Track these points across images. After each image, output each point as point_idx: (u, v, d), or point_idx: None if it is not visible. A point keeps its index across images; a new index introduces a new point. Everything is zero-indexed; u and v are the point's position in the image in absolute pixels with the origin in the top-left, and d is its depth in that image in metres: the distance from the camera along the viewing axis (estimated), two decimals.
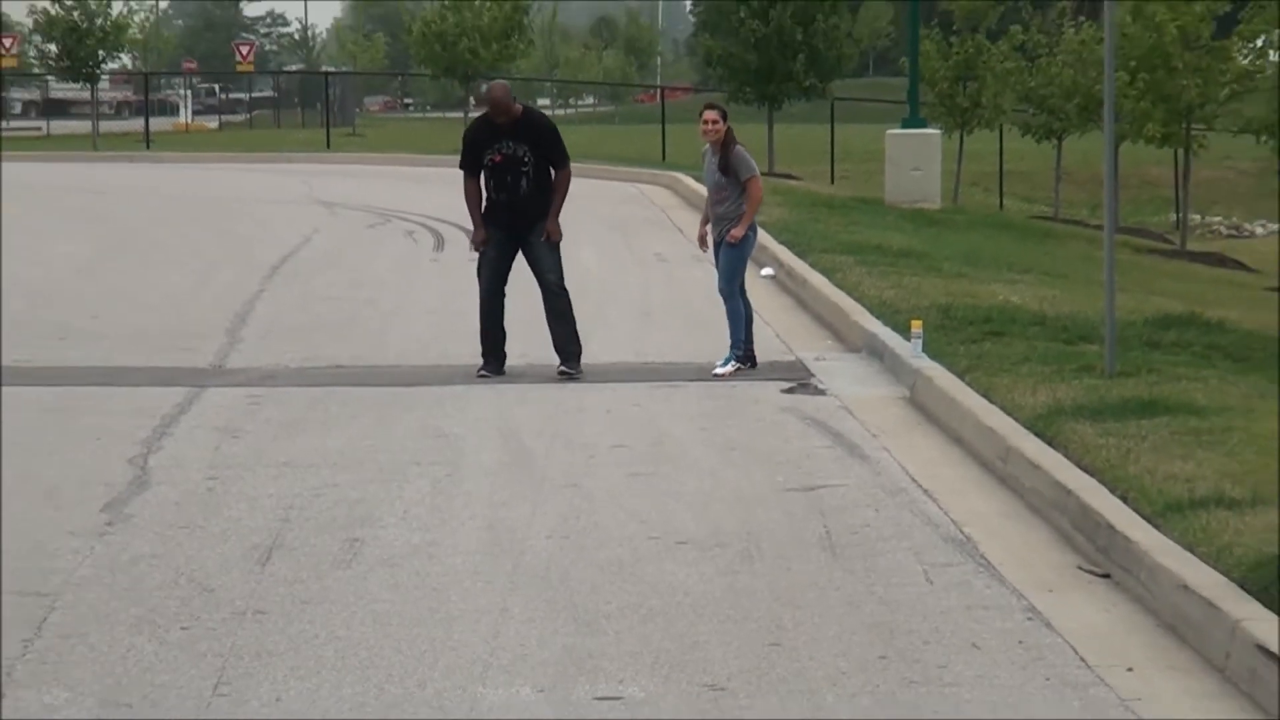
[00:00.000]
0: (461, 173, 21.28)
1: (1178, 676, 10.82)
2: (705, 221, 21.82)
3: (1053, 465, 15.15)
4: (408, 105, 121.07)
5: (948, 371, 19.52)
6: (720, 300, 21.34)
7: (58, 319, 25.92)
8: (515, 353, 21.28)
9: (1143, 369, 19.31)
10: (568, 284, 21.25)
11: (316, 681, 10.55)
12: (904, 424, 18.52)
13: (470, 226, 21.59)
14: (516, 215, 20.80)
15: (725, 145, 20.88)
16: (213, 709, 10.10)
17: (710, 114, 21.00)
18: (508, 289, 21.10)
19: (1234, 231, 53.59)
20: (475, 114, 72.77)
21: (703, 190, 23.60)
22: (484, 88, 21.19)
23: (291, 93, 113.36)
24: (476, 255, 21.37)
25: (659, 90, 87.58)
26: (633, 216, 37.30)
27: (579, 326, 21.17)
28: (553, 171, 20.94)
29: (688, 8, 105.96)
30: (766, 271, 28.27)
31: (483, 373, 20.92)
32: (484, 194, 21.01)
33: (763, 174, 22.96)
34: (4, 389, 20.07)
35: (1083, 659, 11.10)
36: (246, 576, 12.76)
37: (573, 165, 21.55)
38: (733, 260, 21.14)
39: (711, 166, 21.13)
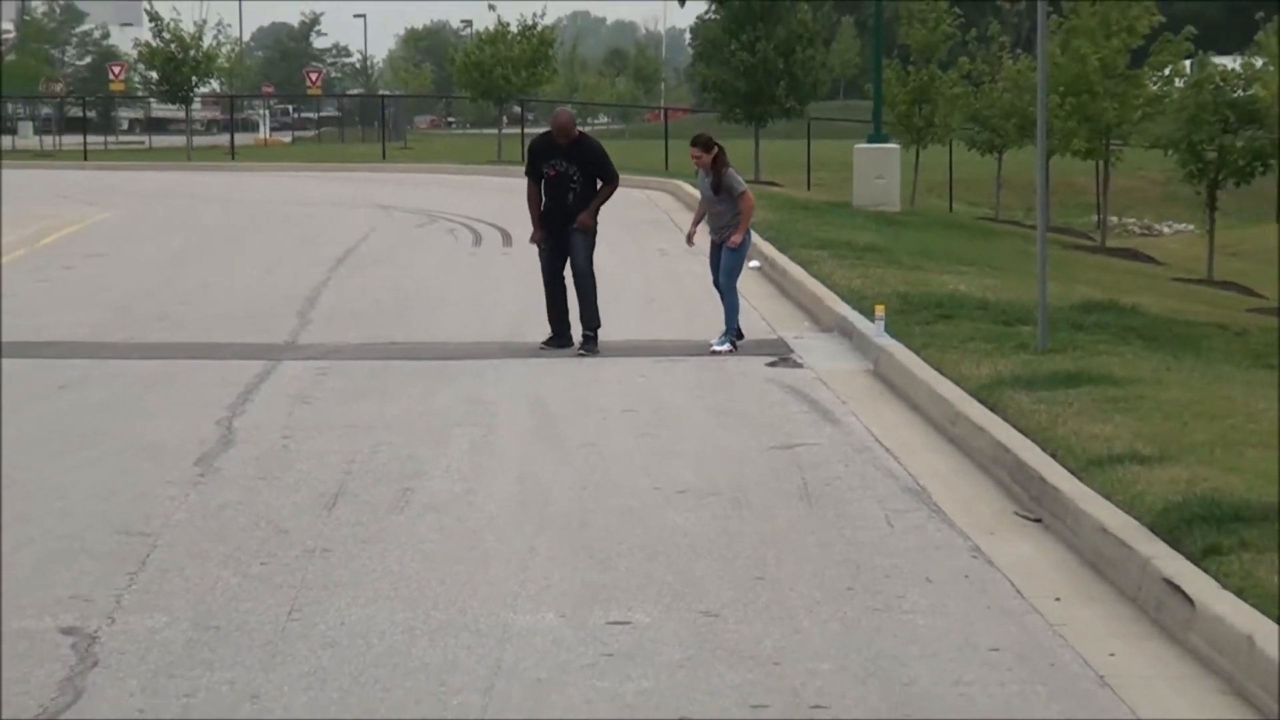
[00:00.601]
0: (526, 179, 21.42)
1: (1097, 605, 10.83)
2: (695, 224, 21.98)
3: (994, 427, 15.18)
4: (450, 123, 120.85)
5: (906, 348, 19.52)
6: (715, 291, 21.41)
7: (157, 304, 25.91)
8: (540, 336, 21.33)
9: (1069, 346, 19.31)
10: None
11: (374, 609, 10.57)
12: (869, 393, 18.52)
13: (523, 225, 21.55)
14: (563, 220, 20.96)
15: (717, 170, 21.00)
16: (287, 632, 10.13)
17: (693, 149, 21.19)
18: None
19: (1145, 231, 53.53)
20: (509, 130, 73.60)
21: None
22: (558, 114, 21.37)
23: (353, 112, 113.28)
24: (535, 247, 21.54)
25: (663, 111, 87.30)
26: (639, 218, 37.32)
27: (601, 305, 21.27)
28: (599, 183, 21.14)
29: (687, 40, 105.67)
30: (753, 264, 28.24)
31: (543, 346, 21.03)
32: (542, 199, 21.11)
33: (749, 181, 22.99)
34: (116, 362, 20.15)
35: (1018, 590, 11.11)
36: (315, 520, 12.80)
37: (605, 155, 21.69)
38: (733, 260, 21.23)
39: (705, 186, 21.32)
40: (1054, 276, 21.09)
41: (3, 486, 13.84)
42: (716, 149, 21.08)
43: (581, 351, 20.84)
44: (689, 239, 22.03)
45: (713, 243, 21.47)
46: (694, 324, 21.88)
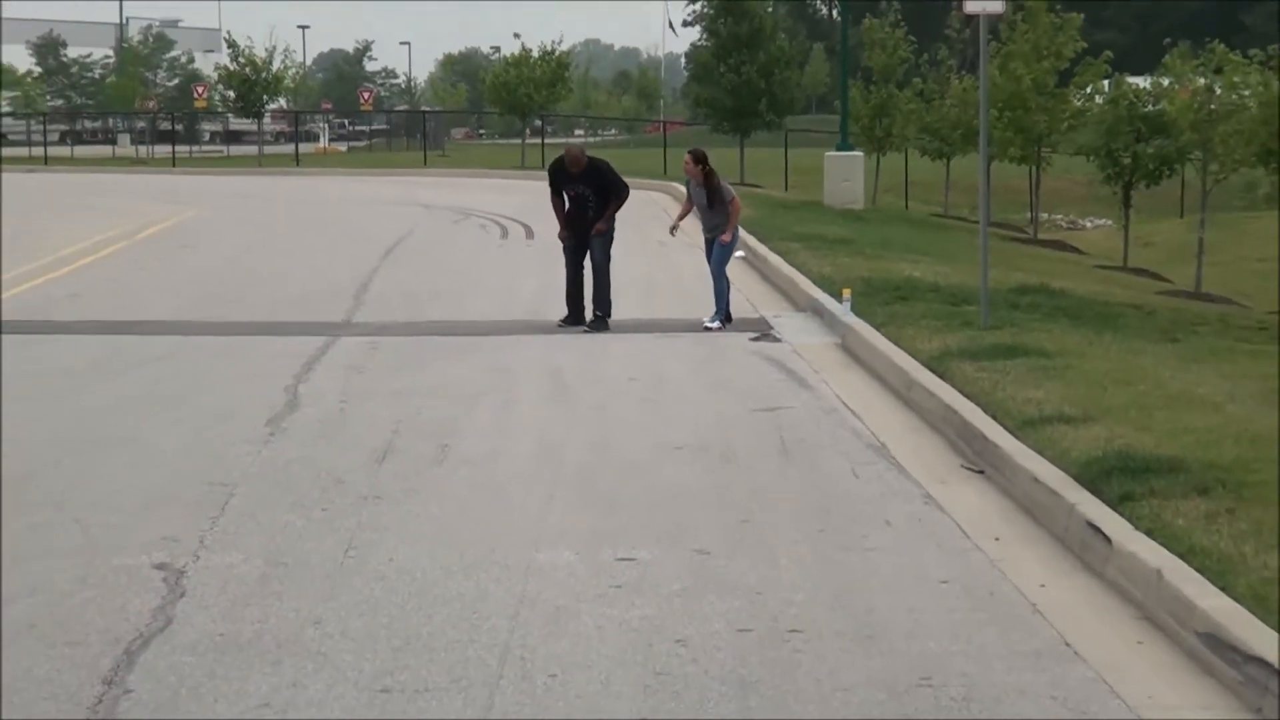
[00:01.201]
0: (549, 189, 21.74)
1: (1030, 545, 10.83)
2: (679, 219, 22.17)
3: (943, 392, 15.18)
4: (481, 134, 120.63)
5: (868, 325, 19.52)
6: (708, 277, 21.43)
7: (234, 288, 25.94)
8: (556, 315, 21.33)
9: (1006, 324, 19.33)
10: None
11: (417, 549, 10.57)
12: (837, 363, 18.52)
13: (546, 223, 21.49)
14: (584, 228, 21.16)
15: (708, 180, 21.18)
16: (344, 567, 10.14)
17: (686, 159, 21.50)
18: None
19: (1071, 225, 53.49)
20: (531, 141, 73.58)
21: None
22: (569, 146, 21.89)
23: (399, 126, 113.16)
24: (558, 241, 21.70)
25: (662, 124, 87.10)
26: (641, 215, 37.26)
27: (613, 294, 21.34)
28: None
29: (683, 64, 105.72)
30: (740, 254, 28.24)
31: (561, 325, 21.05)
32: (565, 204, 21.35)
33: (734, 184, 23.08)
34: (200, 338, 20.15)
35: (964, 531, 11.11)
36: (367, 473, 12.80)
37: (612, 168, 21.89)
38: (724, 253, 21.27)
39: (699, 194, 21.37)
40: (994, 264, 21.10)
41: (95, 445, 13.88)
42: (708, 166, 21.23)
43: (589, 329, 20.88)
44: (672, 231, 22.08)
45: (707, 239, 21.54)
46: (689, 305, 21.88)
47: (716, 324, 20.88)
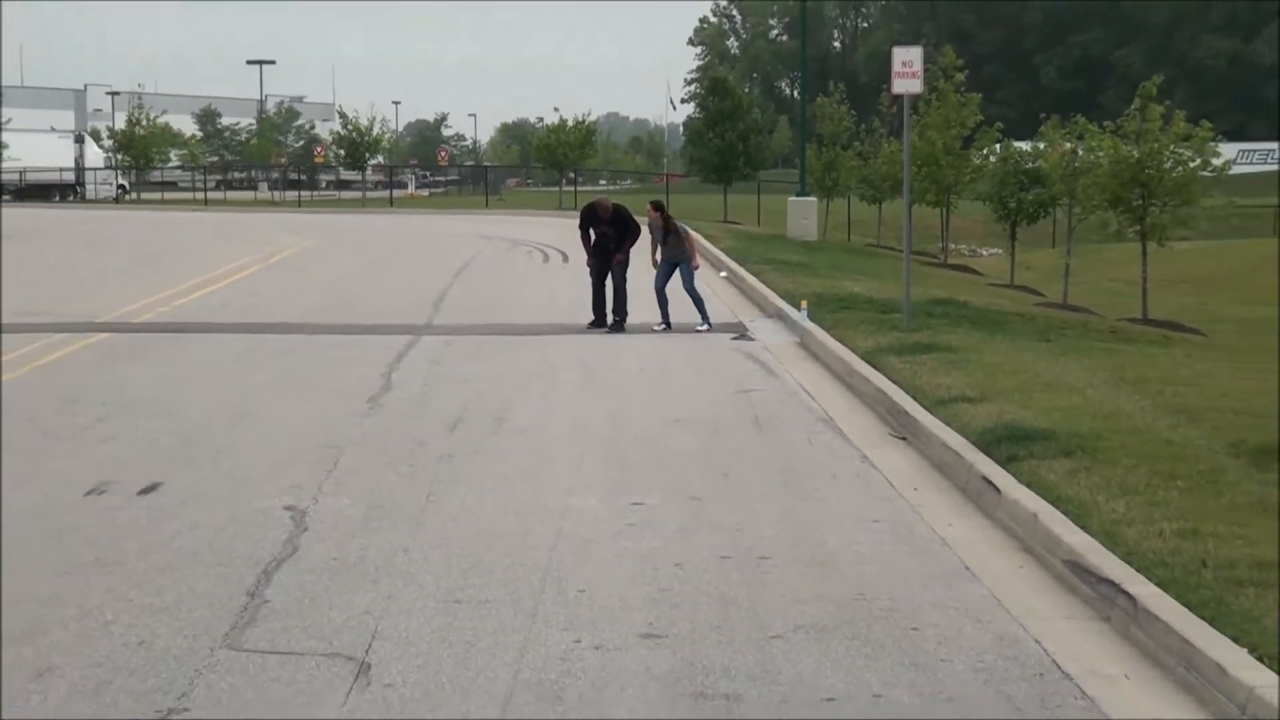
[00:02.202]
0: (579, 229, 21.88)
1: (941, 493, 10.82)
2: (654, 253, 21.70)
3: (875, 379, 15.16)
4: (529, 183, 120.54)
5: (820, 328, 19.49)
6: (686, 296, 21.34)
7: (342, 298, 25.93)
8: (585, 320, 21.28)
9: (923, 327, 19.30)
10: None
11: (481, 496, 10.57)
12: (797, 357, 18.49)
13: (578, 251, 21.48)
14: (606, 256, 21.20)
15: (667, 224, 21.36)
16: (426, 510, 10.14)
17: (649, 208, 21.56)
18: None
19: (972, 253, 53.28)
20: (566, 188, 73.55)
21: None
22: (598, 199, 22.34)
23: (467, 176, 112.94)
24: (585, 266, 21.78)
25: (665, 175, 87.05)
26: (646, 244, 37.37)
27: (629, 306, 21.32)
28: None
29: (681, 131, 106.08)
30: (723, 274, 28.23)
31: (588, 328, 21.00)
32: (592, 239, 21.48)
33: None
34: (317, 336, 20.15)
35: (891, 484, 11.11)
36: (443, 438, 12.80)
37: (630, 213, 21.99)
38: (690, 274, 21.27)
39: (658, 233, 21.40)
40: (915, 282, 21.07)
41: (241, 417, 13.89)
42: (665, 213, 21.52)
43: (610, 330, 20.85)
44: (653, 263, 21.87)
45: (663, 260, 21.44)
46: (687, 313, 21.85)
47: (705, 326, 20.86)
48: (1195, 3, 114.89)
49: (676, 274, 21.30)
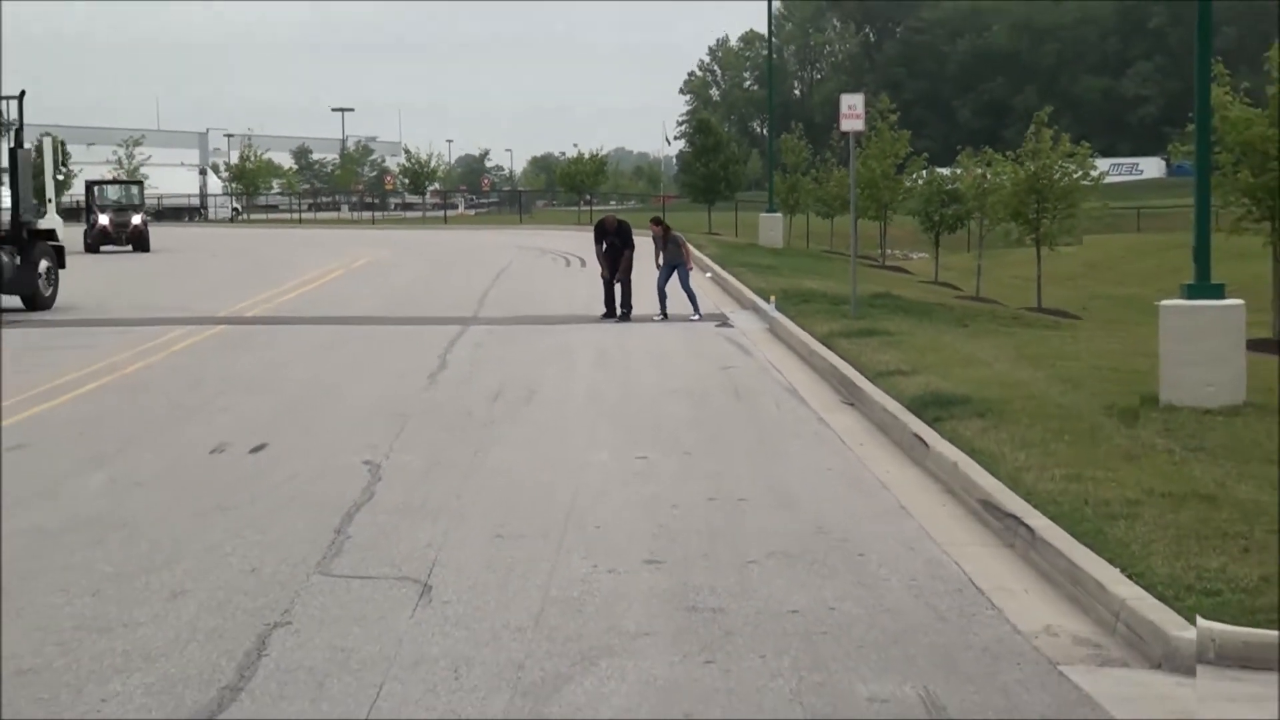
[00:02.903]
0: (594, 241, 21.85)
1: (883, 448, 10.78)
2: (656, 257, 21.52)
3: (830, 357, 15.13)
4: (554, 204, 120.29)
5: (786, 317, 19.43)
6: (693, 290, 21.33)
7: (407, 296, 25.88)
8: (598, 313, 21.24)
9: (866, 316, 19.25)
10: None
11: (516, 454, 10.55)
12: (767, 341, 18.43)
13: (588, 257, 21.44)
14: (614, 261, 21.02)
15: (665, 234, 21.25)
16: (473, 464, 10.12)
17: (653, 225, 21.60)
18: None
19: (905, 257, 52.89)
20: (584, 208, 73.29)
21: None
22: (606, 216, 22.82)
23: (505, 199, 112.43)
24: (598, 271, 21.66)
25: (662, 197, 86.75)
26: (648, 252, 37.29)
27: (634, 301, 21.12)
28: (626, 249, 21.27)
29: (675, 161, 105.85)
30: (708, 274, 28.14)
31: (601, 319, 20.79)
32: (604, 248, 21.22)
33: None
34: (385, 326, 20.10)
35: (842, 440, 11.08)
36: (486, 408, 12.77)
37: (631, 228, 21.92)
38: (686, 274, 21.23)
39: (660, 243, 21.26)
40: (859, 281, 21.03)
41: (328, 391, 13.86)
42: (664, 225, 21.52)
43: (619, 320, 20.74)
44: (656, 266, 21.80)
45: (664, 264, 21.26)
46: (682, 306, 21.81)
47: (696, 317, 20.78)
48: (1075, 48, 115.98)
49: (675, 275, 21.26)
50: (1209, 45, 11.26)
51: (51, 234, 25.06)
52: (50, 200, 24.40)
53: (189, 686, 5.58)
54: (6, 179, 24.03)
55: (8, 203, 23.70)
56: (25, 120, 23.86)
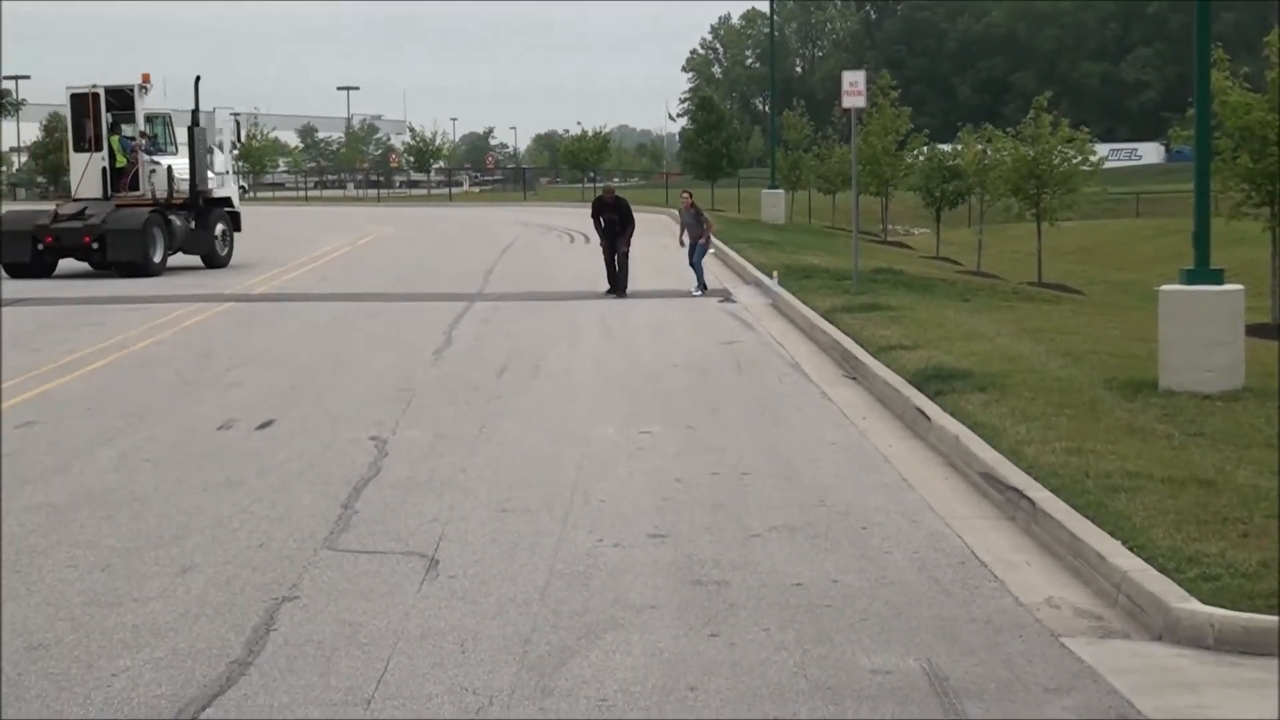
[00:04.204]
0: (591, 215, 21.61)
1: (883, 421, 10.76)
2: (680, 235, 21.74)
3: (832, 331, 15.10)
4: (557, 181, 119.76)
5: (788, 292, 19.37)
6: (688, 265, 21.23)
7: (414, 272, 25.78)
8: (603, 288, 21.18)
9: (869, 291, 19.16)
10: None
11: (523, 427, 10.53)
12: (770, 315, 18.38)
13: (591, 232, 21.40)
14: (613, 239, 20.76)
15: (695, 209, 21.39)
16: (479, 438, 10.09)
17: (685, 195, 21.98)
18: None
19: (906, 232, 52.55)
20: (587, 185, 73.14)
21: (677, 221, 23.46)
22: (604, 186, 22.53)
23: (509, 176, 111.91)
24: (598, 245, 21.44)
25: (665, 174, 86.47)
26: (652, 226, 37.11)
27: (630, 275, 20.93)
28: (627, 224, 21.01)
29: (678, 139, 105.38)
30: (712, 250, 28.03)
31: (605, 294, 20.56)
32: (602, 224, 20.96)
33: (707, 209, 23.07)
34: (394, 303, 20.05)
35: (844, 414, 11.05)
36: (493, 382, 12.74)
37: (630, 204, 21.68)
38: (702, 251, 21.20)
39: (689, 218, 21.33)
40: (861, 256, 20.98)
41: (338, 366, 13.83)
42: (693, 202, 21.66)
43: (619, 294, 20.56)
44: (680, 243, 21.85)
45: (691, 241, 21.26)
46: (682, 281, 21.75)
47: (699, 292, 20.69)
48: (1075, 33, 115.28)
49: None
50: (1208, 31, 11.14)
51: (228, 201, 28.14)
52: (226, 172, 28.28)
53: (198, 661, 5.57)
54: (184, 153, 26.77)
55: (184, 174, 26.56)
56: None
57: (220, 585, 6.59)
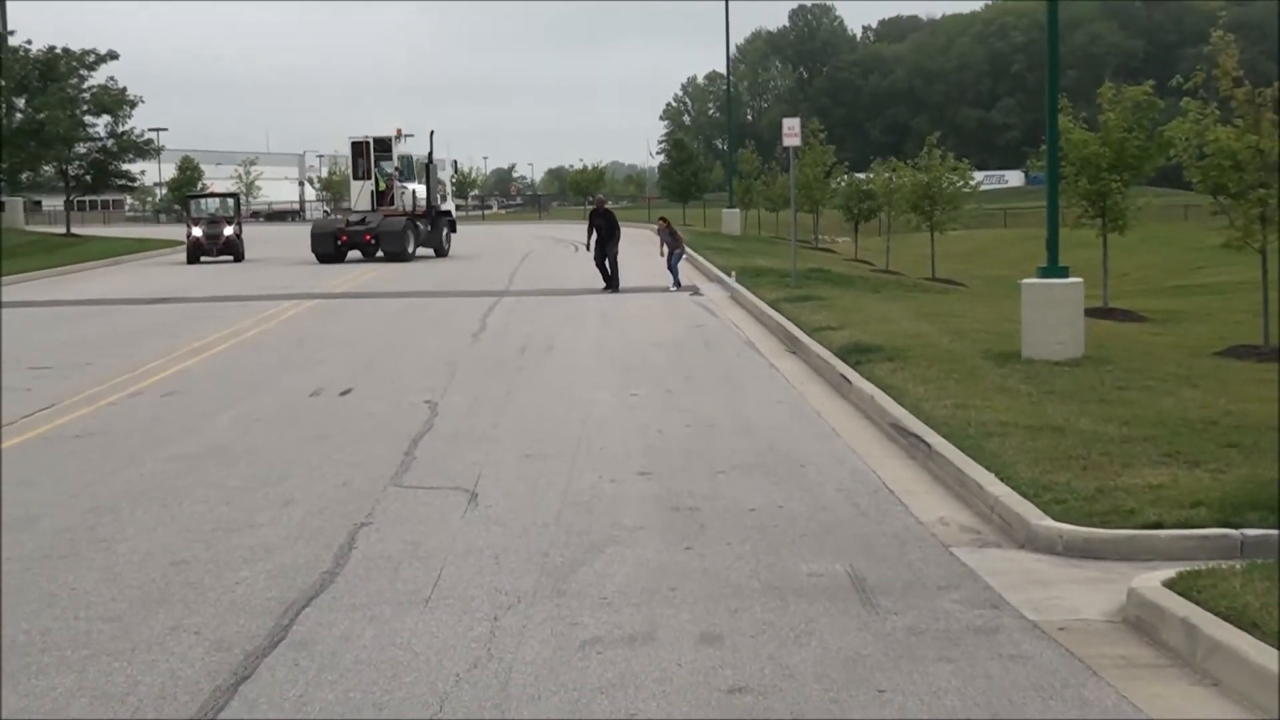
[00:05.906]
0: (586, 226, 21.33)
1: (817, 386, 10.75)
2: (660, 248, 21.50)
3: (777, 317, 15.06)
4: (565, 204, 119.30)
5: (744, 287, 19.30)
6: (666, 269, 21.14)
7: (456, 277, 25.66)
8: (596, 286, 21.06)
9: (804, 286, 19.12)
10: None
11: (539, 394, 10.49)
12: (729, 305, 18.30)
13: (583, 240, 21.32)
14: (602, 246, 20.58)
15: (671, 232, 21.21)
16: (507, 401, 10.06)
17: (660, 221, 21.99)
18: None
19: (833, 241, 52.63)
20: (589, 205, 72.77)
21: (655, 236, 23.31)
22: (597, 198, 22.48)
23: (528, 201, 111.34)
24: (591, 251, 21.15)
25: (647, 198, 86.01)
26: (637, 239, 36.99)
27: (620, 274, 20.81)
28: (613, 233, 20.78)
29: (657, 170, 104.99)
30: (684, 256, 27.93)
31: (602, 291, 20.39)
32: (595, 231, 20.75)
33: (678, 225, 22.94)
34: (438, 299, 19.93)
35: (788, 380, 11.04)
36: (516, 358, 12.71)
37: (618, 219, 21.44)
38: (677, 259, 21.08)
39: (666, 236, 21.16)
40: (798, 259, 20.89)
41: (400, 347, 13.78)
42: (668, 224, 21.58)
43: (612, 291, 20.40)
44: (660, 254, 21.64)
45: (668, 253, 21.11)
46: (663, 281, 21.68)
47: (675, 289, 20.61)
48: (957, 88, 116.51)
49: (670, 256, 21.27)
50: (1056, 85, 11.37)
51: (448, 213, 32.91)
52: (447, 196, 33.84)
53: (298, 572, 5.59)
54: (422, 180, 31.20)
55: (423, 195, 31.09)
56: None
57: (314, 514, 6.61)
